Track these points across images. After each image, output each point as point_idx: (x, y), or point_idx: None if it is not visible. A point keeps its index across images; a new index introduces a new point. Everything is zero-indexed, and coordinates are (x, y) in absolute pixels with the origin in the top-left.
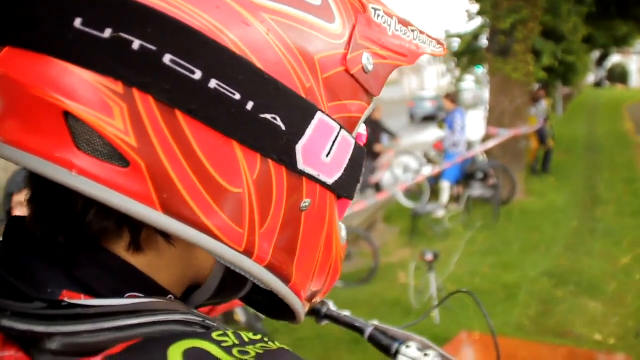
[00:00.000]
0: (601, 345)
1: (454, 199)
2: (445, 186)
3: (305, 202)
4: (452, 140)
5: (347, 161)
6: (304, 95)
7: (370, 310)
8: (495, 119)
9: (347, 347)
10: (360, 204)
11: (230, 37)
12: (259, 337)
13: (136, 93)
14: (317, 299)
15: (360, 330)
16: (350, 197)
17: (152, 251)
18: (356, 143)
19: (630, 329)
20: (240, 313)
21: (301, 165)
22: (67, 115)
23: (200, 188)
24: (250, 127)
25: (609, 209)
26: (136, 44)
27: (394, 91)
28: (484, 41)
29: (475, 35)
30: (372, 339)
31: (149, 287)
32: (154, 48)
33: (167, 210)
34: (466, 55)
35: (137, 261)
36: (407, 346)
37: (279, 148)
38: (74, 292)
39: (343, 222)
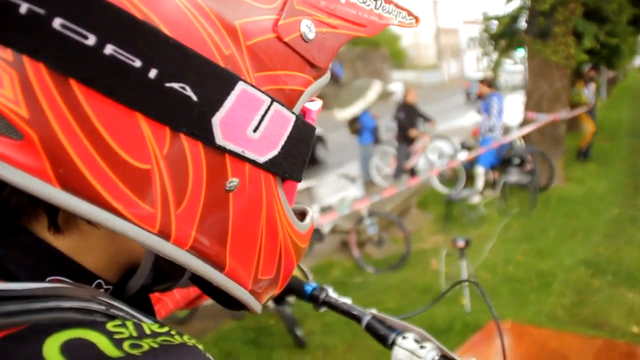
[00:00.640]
0: (638, 338)
1: (490, 185)
2: (480, 172)
3: (232, 181)
4: (487, 125)
5: (284, 138)
6: (221, 64)
7: (400, 297)
8: (533, 104)
9: None
10: (391, 190)
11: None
12: (164, 329)
13: (26, 60)
14: (275, 290)
15: (357, 319)
16: (296, 179)
17: (75, 232)
18: (299, 119)
19: None
20: None
21: (220, 140)
22: None
23: (100, 163)
24: (155, 97)
25: None
26: (23, 7)
27: (432, 75)
28: (522, 23)
29: (514, 17)
30: (369, 328)
31: (74, 270)
32: (42, 11)
33: (65, 186)
34: (504, 38)
35: (60, 243)
36: (404, 337)
37: (191, 121)
38: None
39: (375, 207)
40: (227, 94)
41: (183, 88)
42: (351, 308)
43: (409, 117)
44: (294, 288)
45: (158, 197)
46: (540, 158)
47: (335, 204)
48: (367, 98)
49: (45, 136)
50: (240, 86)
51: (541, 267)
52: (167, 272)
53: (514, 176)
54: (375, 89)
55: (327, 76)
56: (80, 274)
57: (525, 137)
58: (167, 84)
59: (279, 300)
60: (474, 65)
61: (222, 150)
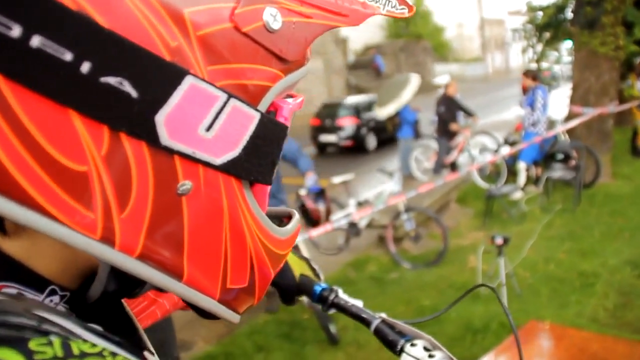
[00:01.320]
0: None
1: (533, 181)
2: (522, 167)
3: (184, 184)
4: (531, 119)
5: (246, 138)
6: (166, 57)
7: (436, 294)
8: (579, 97)
9: None
10: (427, 185)
11: None
12: (96, 349)
13: None
14: (253, 300)
15: (366, 322)
16: (264, 182)
17: (24, 236)
18: (265, 118)
19: None
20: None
21: (166, 140)
22: None
23: (31, 164)
24: (88, 93)
25: None
26: None
27: (476, 68)
28: (569, 13)
29: (560, 7)
30: (377, 333)
31: (25, 276)
32: None
33: None
34: (549, 29)
35: (10, 246)
36: (413, 344)
37: (131, 119)
38: None
39: (413, 201)
40: (173, 89)
41: (120, 83)
42: (360, 311)
43: (449, 110)
44: (304, 288)
45: (98, 200)
46: (585, 153)
47: (372, 198)
48: (402, 98)
49: None
50: (188, 80)
51: (584, 266)
52: (126, 279)
53: (557, 172)
54: (412, 85)
55: (302, 70)
56: (31, 280)
57: (571, 132)
58: (102, 79)
59: (289, 301)
60: (520, 57)
61: (170, 151)
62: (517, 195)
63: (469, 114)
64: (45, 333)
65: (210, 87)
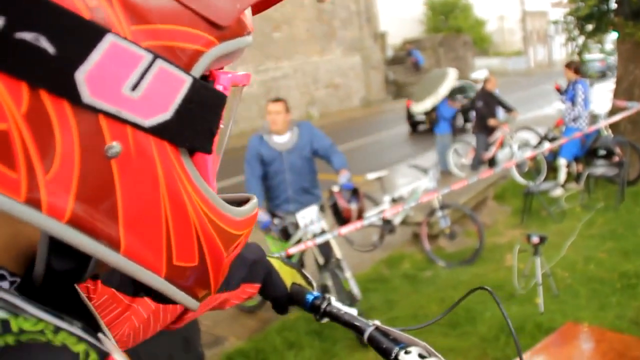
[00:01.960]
0: None
1: (574, 177)
2: (562, 163)
3: (112, 147)
4: (572, 115)
5: (177, 101)
6: (85, 15)
7: None
8: (623, 91)
9: (441, 330)
10: (461, 182)
11: None
12: (39, 327)
13: None
14: (209, 285)
15: (360, 330)
16: (202, 150)
17: None
18: (198, 83)
19: None
20: (333, 292)
21: (87, 97)
22: None
23: None
24: (4, 49)
25: None
26: None
27: (518, 62)
28: (612, 4)
29: None
30: (371, 341)
31: None
32: None
33: None
34: (591, 20)
35: None
36: (407, 352)
37: (50, 76)
38: None
39: (449, 198)
40: (92, 47)
41: (36, 39)
42: (354, 319)
43: (488, 105)
44: (296, 297)
45: (20, 160)
46: (629, 149)
47: (407, 195)
48: (439, 93)
49: None
50: (109, 39)
51: (626, 267)
52: (67, 259)
53: (599, 168)
54: (449, 80)
55: (240, 40)
56: None
57: (614, 127)
58: (17, 34)
59: (282, 311)
60: (561, 51)
61: (93, 110)
62: (557, 192)
63: (508, 109)
64: None
65: (133, 47)
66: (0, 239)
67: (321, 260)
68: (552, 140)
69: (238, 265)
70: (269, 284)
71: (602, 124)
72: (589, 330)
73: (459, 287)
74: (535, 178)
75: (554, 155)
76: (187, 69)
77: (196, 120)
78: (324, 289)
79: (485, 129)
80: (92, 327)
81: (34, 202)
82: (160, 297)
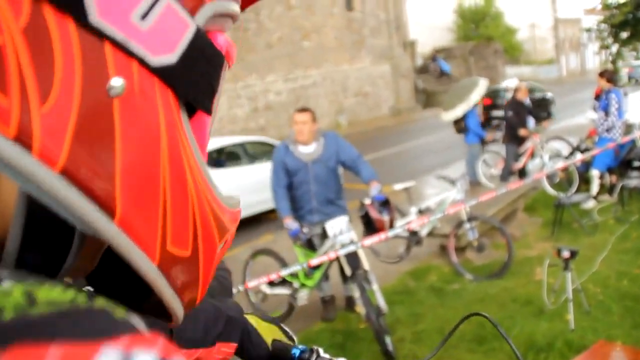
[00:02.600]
0: None
1: (607, 189)
2: (595, 174)
3: (115, 81)
4: (605, 125)
5: (183, 45)
6: None
7: (498, 308)
8: None
9: (468, 345)
10: (488, 194)
11: None
12: (68, 296)
13: None
14: (196, 290)
15: None
16: (202, 106)
17: None
18: (200, 31)
19: None
20: (360, 304)
21: (95, 17)
22: None
23: None
24: None
25: None
26: None
27: (549, 70)
28: None
29: (638, 5)
30: None
31: None
32: None
33: None
34: (626, 27)
35: None
36: None
37: None
38: None
39: (477, 210)
40: None
41: None
42: None
43: (518, 115)
44: (279, 354)
45: (14, 81)
46: None
47: (434, 206)
48: (469, 101)
49: None
50: None
51: None
52: (46, 240)
53: (634, 180)
54: (479, 89)
55: (235, 4)
56: None
57: None
58: None
59: None
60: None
61: (99, 34)
62: (590, 204)
63: (538, 119)
64: None
65: None
66: None
67: (348, 272)
68: (584, 151)
69: (215, 317)
70: (247, 344)
71: (637, 134)
72: (622, 349)
73: (486, 301)
74: (566, 189)
75: (586, 166)
76: (190, 12)
77: (199, 72)
78: (350, 301)
79: (515, 139)
80: None
81: (23, 139)
82: (136, 305)
